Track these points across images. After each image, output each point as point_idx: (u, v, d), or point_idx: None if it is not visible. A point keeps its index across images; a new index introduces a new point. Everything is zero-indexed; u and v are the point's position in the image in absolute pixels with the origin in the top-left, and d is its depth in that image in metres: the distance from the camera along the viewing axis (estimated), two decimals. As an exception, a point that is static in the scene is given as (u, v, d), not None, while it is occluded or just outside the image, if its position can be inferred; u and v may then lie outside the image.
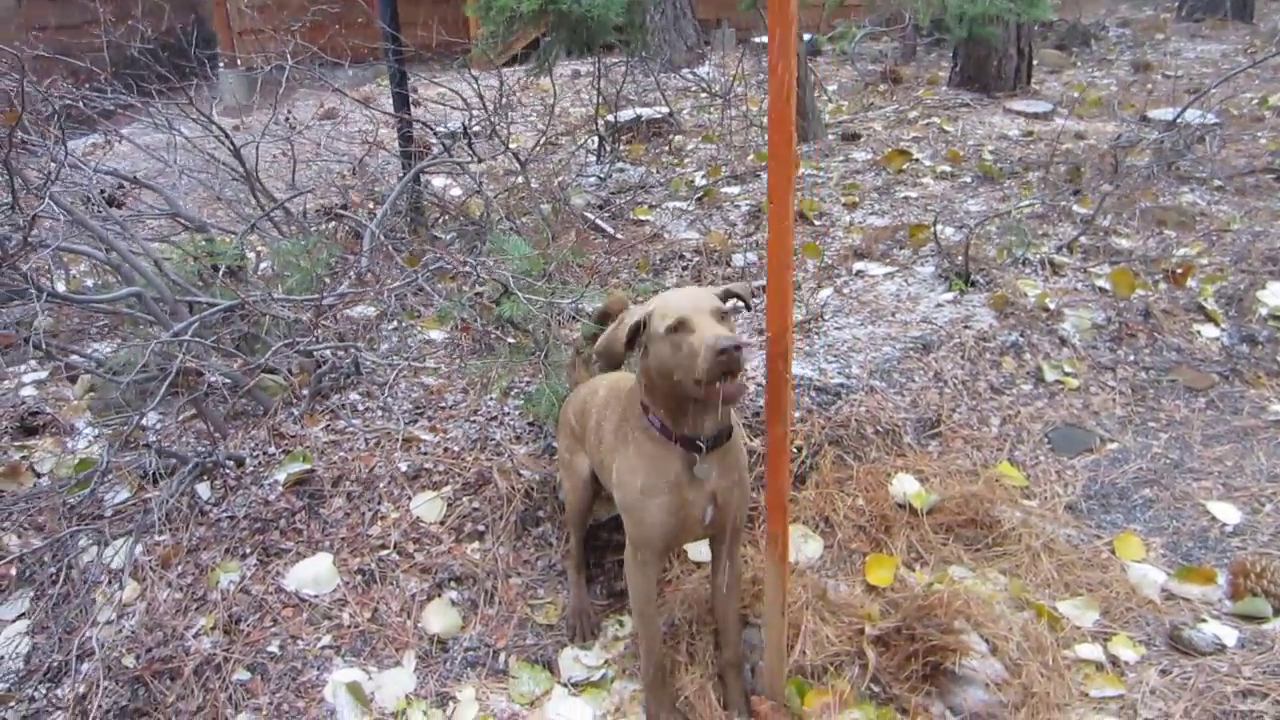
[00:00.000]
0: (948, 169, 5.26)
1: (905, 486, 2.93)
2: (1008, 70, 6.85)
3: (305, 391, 3.09)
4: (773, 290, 1.98)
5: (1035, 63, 7.58)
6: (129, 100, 3.79)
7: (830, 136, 6.12)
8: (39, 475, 3.31)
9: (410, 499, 2.94)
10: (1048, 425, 3.25)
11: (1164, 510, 2.92)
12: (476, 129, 6.41)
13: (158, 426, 3.36)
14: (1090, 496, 2.98)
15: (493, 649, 2.62)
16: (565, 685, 2.52)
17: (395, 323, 3.81)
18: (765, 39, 6.90)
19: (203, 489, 3.01)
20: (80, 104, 3.83)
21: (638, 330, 2.08)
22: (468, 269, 3.09)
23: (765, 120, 6.23)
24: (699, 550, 2.82)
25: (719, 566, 2.36)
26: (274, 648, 2.62)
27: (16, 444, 3.43)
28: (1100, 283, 3.90)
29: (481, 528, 2.89)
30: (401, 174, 4.61)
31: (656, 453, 2.13)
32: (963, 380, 3.39)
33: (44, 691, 2.61)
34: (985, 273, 3.96)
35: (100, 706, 2.53)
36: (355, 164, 4.59)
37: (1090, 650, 2.42)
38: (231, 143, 3.63)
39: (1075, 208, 4.61)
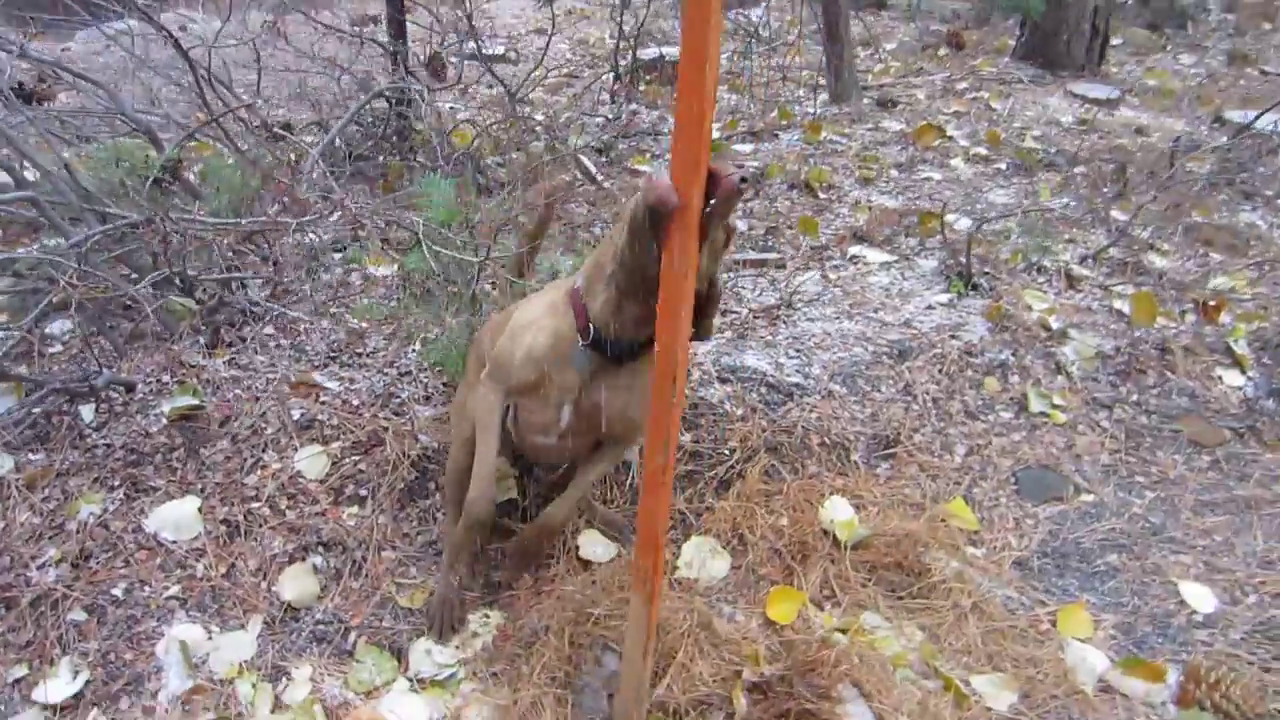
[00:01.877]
0: (982, 151, 4.78)
1: (836, 512, 2.62)
2: (1078, 48, 6.22)
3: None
4: (667, 295, 1.63)
5: (1118, 41, 6.93)
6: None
7: (865, 100, 5.64)
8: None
9: (296, 451, 2.71)
10: (1019, 463, 2.89)
11: (1128, 583, 2.56)
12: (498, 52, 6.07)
13: (64, 338, 3.17)
14: (1046, 554, 2.63)
15: (345, 626, 2.41)
16: (410, 679, 2.30)
17: (341, 254, 3.55)
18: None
19: (86, 411, 2.81)
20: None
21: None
22: (366, 215, 2.78)
23: (804, 76, 5.83)
24: (590, 547, 2.56)
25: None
26: (118, 590, 2.43)
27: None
28: (1119, 304, 3.47)
29: (364, 492, 2.65)
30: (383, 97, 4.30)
31: (561, 324, 2.06)
32: (935, 397, 3.03)
33: (-114, 601, 2.47)
34: (992, 276, 3.56)
35: (-66, 626, 2.39)
36: (337, 79, 4.27)
37: (997, 741, 2.11)
38: (176, 41, 3.34)
39: (1114, 213, 4.13)
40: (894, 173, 4.55)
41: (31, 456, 2.73)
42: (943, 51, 7.25)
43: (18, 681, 2.28)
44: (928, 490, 2.77)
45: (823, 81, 5.85)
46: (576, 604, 2.32)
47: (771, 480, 2.74)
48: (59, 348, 3.13)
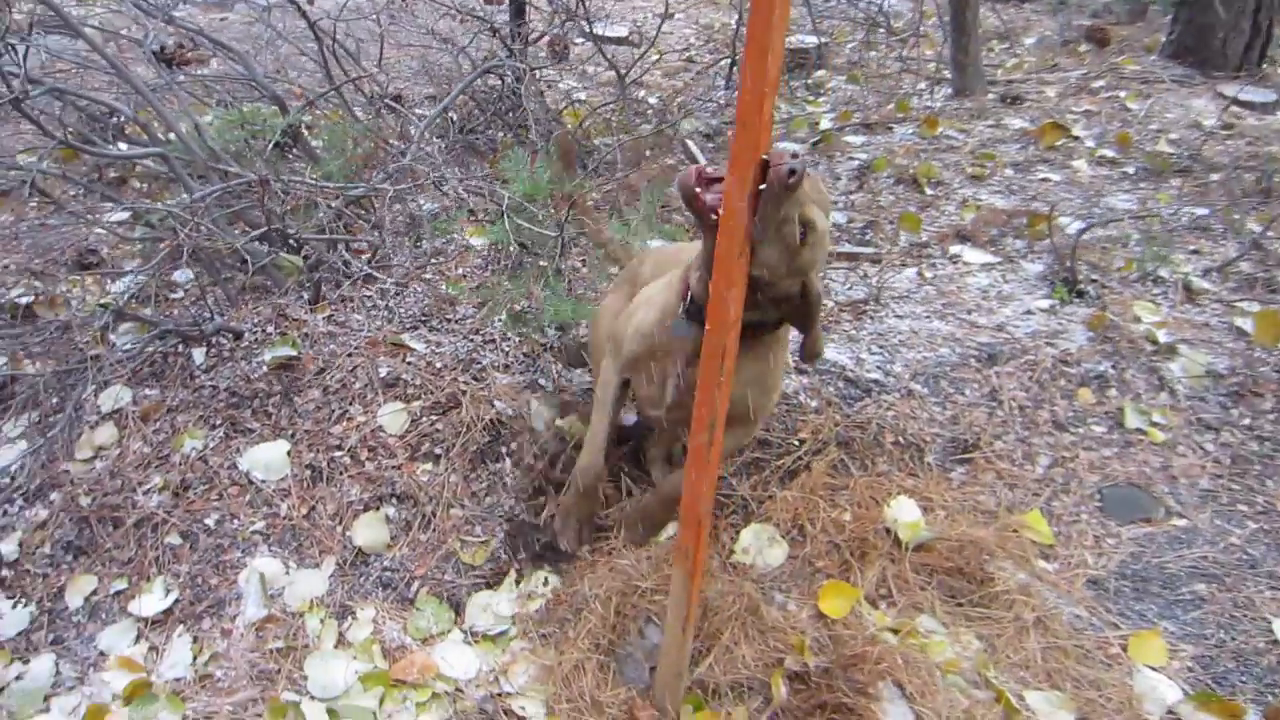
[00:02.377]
0: (1109, 154, 4.53)
1: (901, 512, 2.56)
2: (1235, 46, 5.78)
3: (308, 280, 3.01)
4: (717, 275, 1.64)
5: (1282, 42, 6.41)
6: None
7: (990, 96, 5.42)
8: (80, 311, 3.44)
9: (380, 406, 2.84)
10: (1106, 480, 2.75)
11: (1214, 615, 2.41)
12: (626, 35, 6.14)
13: (187, 286, 3.41)
14: (1125, 576, 2.51)
15: (410, 575, 2.52)
16: (465, 631, 2.40)
17: (451, 225, 3.68)
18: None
19: (198, 354, 3.02)
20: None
21: None
22: (448, 184, 2.87)
23: (932, 69, 5.65)
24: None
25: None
26: (210, 520, 2.62)
27: (71, 277, 3.58)
28: (1241, 322, 3.25)
29: (438, 450, 2.76)
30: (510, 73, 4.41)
31: (670, 298, 2.14)
32: (1022, 405, 2.92)
33: (18, 508, 2.73)
34: (1101, 284, 3.39)
35: (53, 536, 2.64)
36: (455, 56, 4.41)
37: (1042, 758, 2.04)
38: (303, 12, 3.52)
39: (1251, 225, 3.86)
40: (1009, 171, 4.37)
41: (148, 392, 2.96)
42: (1084, 48, 6.88)
43: (118, 594, 2.50)
44: (1003, 499, 2.68)
45: (947, 75, 5.67)
46: (626, 576, 2.36)
47: (839, 475, 2.71)
48: (181, 294, 3.37)
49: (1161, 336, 3.10)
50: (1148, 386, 3.00)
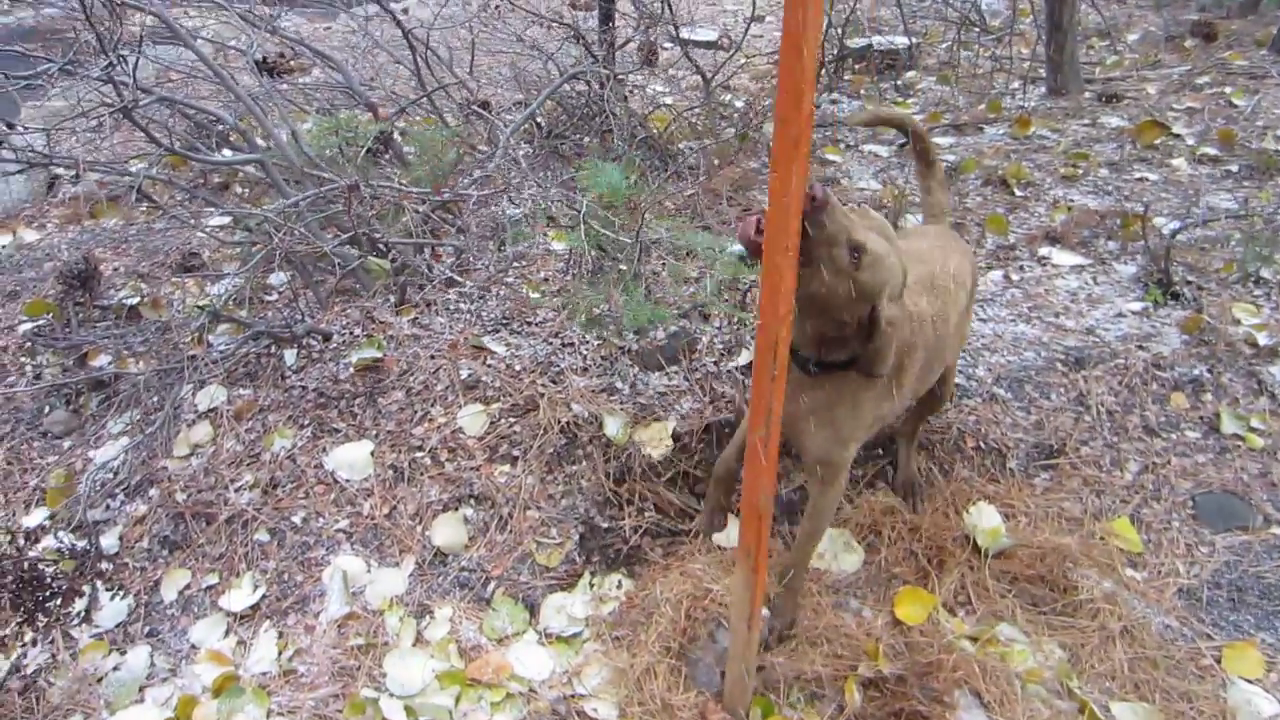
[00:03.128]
0: (1211, 151, 4.34)
1: (981, 519, 2.50)
2: (1351, 40, 5.49)
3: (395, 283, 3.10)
4: (768, 270, 1.65)
5: None
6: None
7: (1086, 94, 5.24)
8: (180, 312, 3.62)
9: (460, 408, 2.91)
10: (1200, 486, 2.64)
11: (1315, 627, 2.30)
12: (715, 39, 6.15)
13: (281, 289, 3.55)
14: (1219, 586, 2.40)
15: (487, 575, 2.57)
16: (539, 632, 2.43)
17: (528, 228, 3.74)
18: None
19: (289, 355, 3.15)
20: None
21: None
22: (517, 189, 2.92)
23: (1026, 68, 5.50)
24: (729, 536, 2.58)
25: None
26: (297, 518, 2.72)
27: (174, 279, 3.77)
28: (1351, 325, 3.08)
29: (516, 452, 2.80)
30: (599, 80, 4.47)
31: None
32: (1111, 409, 2.82)
33: (119, 503, 2.89)
34: (1198, 286, 3.25)
35: (150, 530, 2.77)
36: (545, 60, 4.49)
37: (1127, 773, 1.97)
38: (398, 21, 3.64)
39: (1365, 224, 3.64)
40: (1103, 172, 4.22)
41: (242, 391, 3.09)
42: (1190, 43, 6.60)
43: (210, 588, 2.61)
44: (1089, 506, 2.59)
45: (1042, 74, 5.51)
46: (696, 579, 2.36)
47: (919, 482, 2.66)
48: (275, 297, 3.51)
49: (1262, 339, 2.95)
50: (1246, 391, 2.86)
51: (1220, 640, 2.25)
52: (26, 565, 2.52)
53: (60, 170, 4.78)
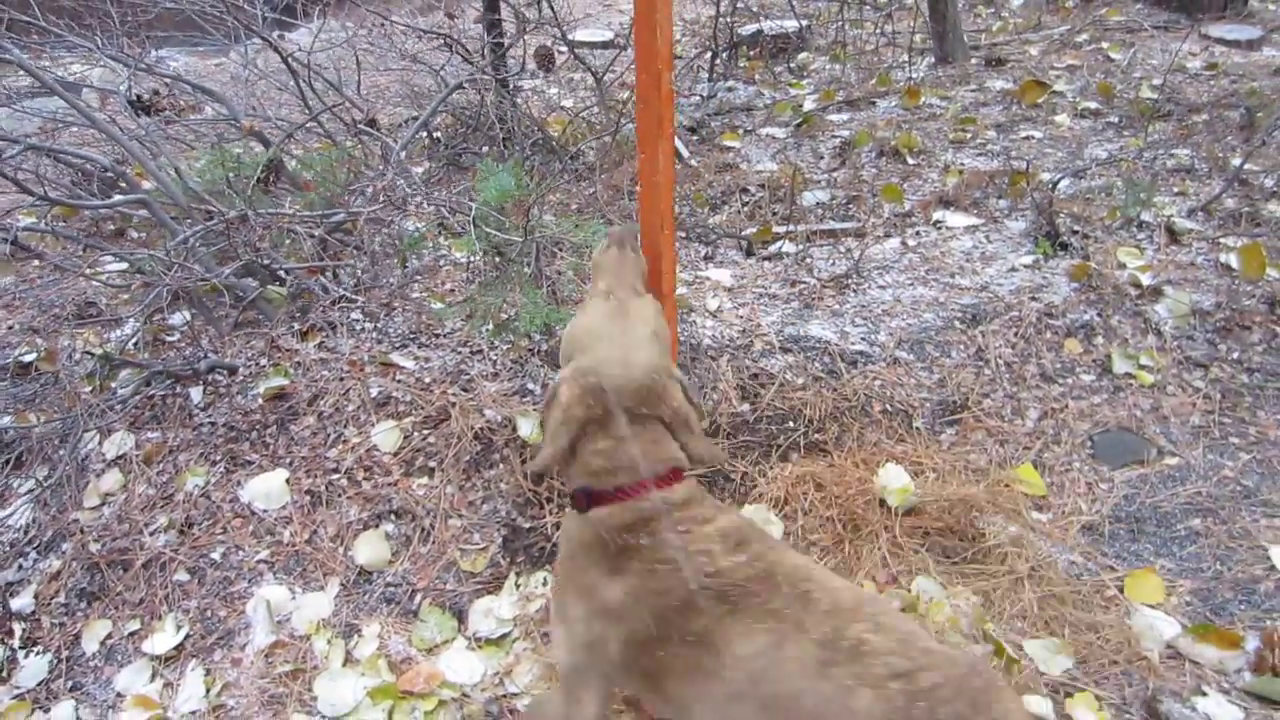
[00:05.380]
0: (1092, 105, 4.50)
1: (890, 479, 2.56)
2: (1218, -13, 5.73)
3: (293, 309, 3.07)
4: (647, 249, 1.69)
5: (1269, -21, 6.31)
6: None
7: (973, 60, 5.40)
8: (74, 362, 3.53)
9: (373, 426, 2.89)
10: (1097, 426, 2.74)
11: (1210, 548, 2.40)
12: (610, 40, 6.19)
13: (182, 328, 3.49)
14: (1120, 519, 2.49)
15: (412, 588, 2.56)
16: (469, 638, 2.43)
17: (423, 242, 3.73)
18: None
19: (195, 393, 3.10)
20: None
21: None
22: (417, 200, 2.92)
23: (917, 41, 5.64)
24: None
25: None
26: (216, 554, 2.68)
27: (72, 330, 3.68)
28: (1226, 259, 3.21)
29: (433, 464, 2.80)
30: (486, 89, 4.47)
31: None
32: (1009, 361, 2.91)
33: (31, 561, 2.82)
34: (1083, 235, 3.37)
35: (66, 585, 2.71)
36: (436, 73, 4.48)
37: (1040, 705, 2.03)
38: (276, 48, 3.61)
39: (1235, 162, 3.81)
40: (991, 133, 4.35)
41: (149, 435, 3.03)
42: (1070, 3, 6.83)
43: (132, 634, 2.56)
44: (994, 456, 2.67)
45: (929, 45, 5.66)
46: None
47: (829, 449, 2.72)
48: (177, 336, 3.45)
49: (1145, 280, 3.08)
50: (1134, 331, 2.97)
51: (1122, 571, 2.34)
52: (-69, 632, 2.45)
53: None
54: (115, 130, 3.11)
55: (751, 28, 5.96)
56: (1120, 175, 3.71)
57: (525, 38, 5.05)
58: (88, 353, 3.03)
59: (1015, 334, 2.97)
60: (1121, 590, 2.29)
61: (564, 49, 6.55)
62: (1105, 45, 5.31)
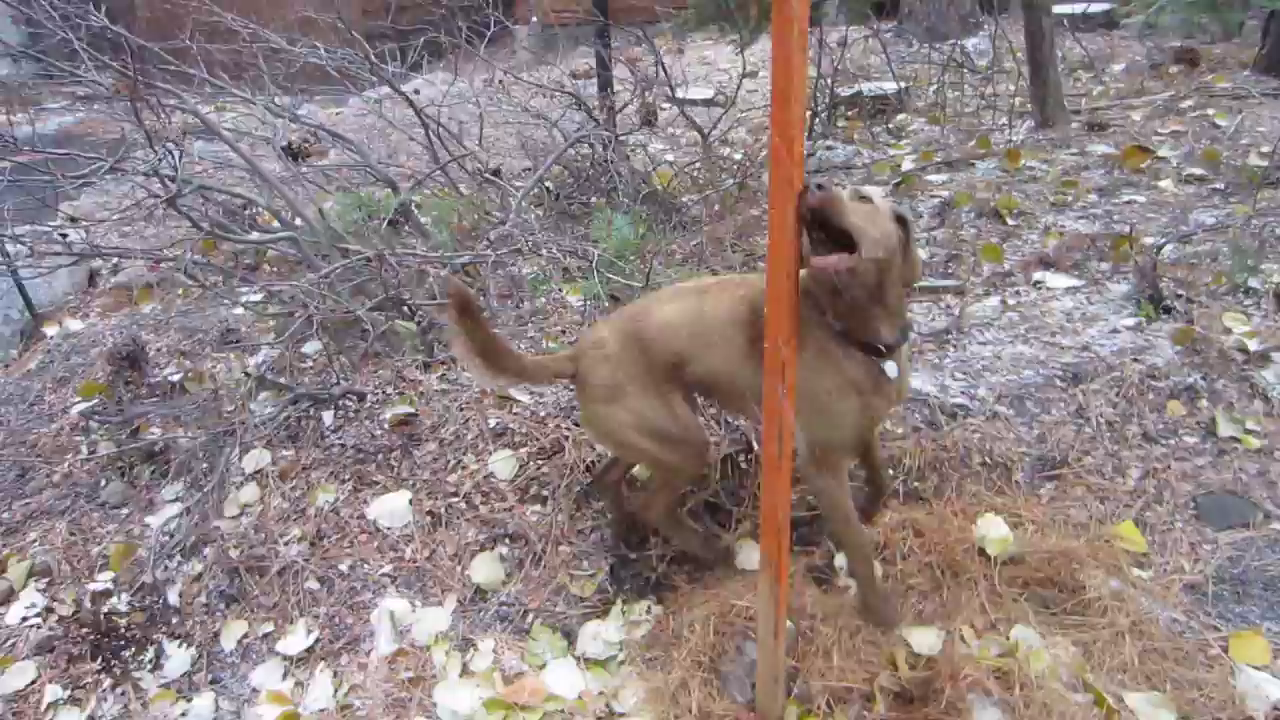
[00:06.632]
0: (1197, 171, 4.51)
1: (990, 529, 2.63)
2: (1329, 55, 5.67)
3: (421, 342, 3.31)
4: (772, 295, 1.83)
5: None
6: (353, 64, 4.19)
7: (1074, 125, 5.45)
8: (236, 384, 3.82)
9: (491, 454, 3.08)
10: (1200, 488, 2.75)
11: (1319, 614, 2.39)
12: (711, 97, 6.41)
13: (315, 356, 3.76)
14: (1224, 580, 2.50)
15: (524, 608, 2.71)
16: (577, 658, 2.56)
17: (548, 284, 3.95)
18: (1068, 7, 6.24)
19: (327, 416, 3.34)
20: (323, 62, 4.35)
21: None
22: (546, 245, 3.13)
23: (1015, 104, 5.72)
24: (747, 554, 2.72)
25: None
26: (344, 566, 2.88)
27: (214, 354, 3.99)
28: (1339, 327, 3.20)
29: (545, 492, 2.97)
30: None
31: (842, 354, 2.20)
32: (1110, 420, 2.95)
33: (176, 564, 3.07)
34: (1188, 299, 3.39)
35: (208, 586, 2.94)
36: (550, 127, 4.76)
37: (1142, 757, 2.07)
38: (411, 103, 3.91)
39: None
40: (1092, 197, 4.40)
41: (285, 453, 3.28)
42: (1173, 69, 6.83)
43: (266, 635, 2.77)
44: (1095, 512, 2.71)
45: (1029, 108, 5.73)
46: (722, 598, 2.50)
47: (927, 497, 2.79)
48: (310, 364, 3.72)
49: (1253, 345, 3.09)
50: (1240, 395, 2.98)
51: (1226, 631, 2.35)
52: (103, 618, 2.71)
53: (99, 261, 5.06)
54: (268, 173, 3.41)
55: (851, 89, 6.13)
56: (1226, 241, 3.72)
57: (634, 96, 5.31)
58: (245, 373, 3.30)
59: (1117, 394, 3.01)
60: (1225, 650, 2.30)
61: (666, 105, 6.85)
62: (1211, 111, 5.31)
